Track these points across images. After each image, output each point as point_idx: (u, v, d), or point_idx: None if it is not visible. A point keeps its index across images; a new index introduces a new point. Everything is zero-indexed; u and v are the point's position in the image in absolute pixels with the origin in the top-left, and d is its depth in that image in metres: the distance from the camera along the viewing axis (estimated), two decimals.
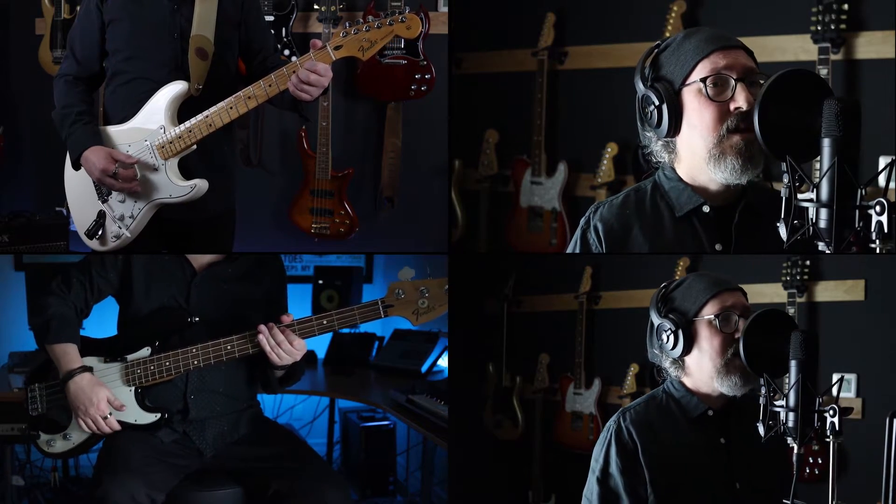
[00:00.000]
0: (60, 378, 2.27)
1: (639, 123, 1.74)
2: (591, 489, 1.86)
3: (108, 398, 2.24)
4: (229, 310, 2.42)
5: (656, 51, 1.70)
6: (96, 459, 2.30)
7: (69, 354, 2.29)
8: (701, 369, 1.83)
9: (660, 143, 1.71)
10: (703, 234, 1.70)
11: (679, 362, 1.86)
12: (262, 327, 2.25)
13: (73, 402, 2.25)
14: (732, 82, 1.60)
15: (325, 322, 2.27)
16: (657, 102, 1.65)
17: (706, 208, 1.69)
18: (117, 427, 2.26)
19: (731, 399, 1.84)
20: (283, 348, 2.25)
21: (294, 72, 2.16)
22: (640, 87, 1.69)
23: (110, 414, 2.25)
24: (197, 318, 2.36)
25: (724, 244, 1.69)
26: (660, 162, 1.75)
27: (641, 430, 1.82)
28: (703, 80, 1.61)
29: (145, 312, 2.40)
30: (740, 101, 1.59)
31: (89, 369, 2.27)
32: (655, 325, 1.86)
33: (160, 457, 2.28)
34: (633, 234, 1.71)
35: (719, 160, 1.61)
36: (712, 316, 1.80)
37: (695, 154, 1.66)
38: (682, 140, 1.68)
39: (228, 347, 2.28)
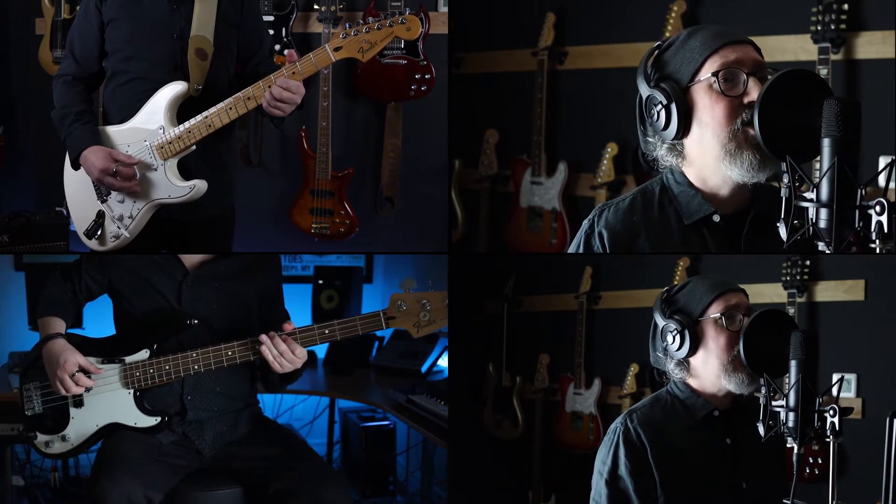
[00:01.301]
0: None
1: (640, 128, 1.67)
2: (599, 492, 1.83)
3: (80, 363, 2.24)
4: (222, 309, 2.41)
5: (658, 51, 1.63)
6: (95, 459, 2.29)
7: (50, 324, 2.34)
8: (707, 369, 1.82)
9: (665, 146, 1.64)
10: (711, 244, 1.64)
11: (685, 363, 1.84)
12: (265, 337, 2.24)
13: (46, 365, 2.27)
14: (744, 76, 1.54)
15: (326, 331, 2.28)
16: (665, 102, 1.58)
17: (716, 217, 1.63)
18: (88, 384, 2.25)
19: (737, 400, 1.84)
20: (286, 357, 2.25)
21: (269, 86, 2.18)
22: (643, 87, 1.62)
23: (77, 372, 2.23)
24: (196, 321, 2.35)
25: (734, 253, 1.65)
26: (669, 166, 1.67)
27: (649, 431, 1.81)
28: (716, 74, 1.54)
29: (140, 313, 2.39)
30: (754, 94, 1.51)
31: (63, 336, 2.30)
32: (660, 326, 1.85)
33: (159, 457, 2.28)
34: (640, 242, 1.65)
35: (735, 156, 1.54)
36: (718, 315, 1.79)
37: (707, 153, 1.59)
38: (691, 141, 1.61)
39: (229, 353, 2.28)
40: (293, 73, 2.20)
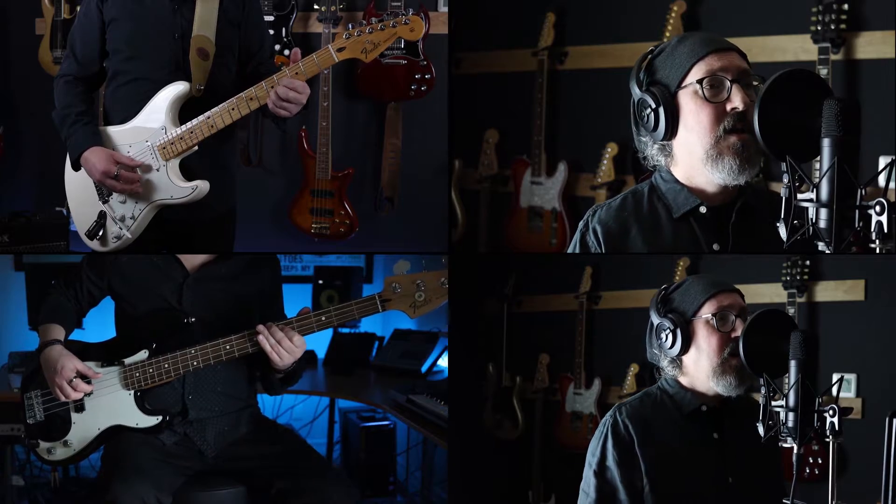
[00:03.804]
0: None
1: (633, 128, 1.76)
2: (587, 482, 1.88)
3: (78, 368, 2.24)
4: (223, 309, 2.40)
5: (650, 56, 1.72)
6: (102, 463, 2.29)
7: (49, 331, 2.33)
8: (698, 368, 1.85)
9: (656, 146, 1.73)
10: (700, 235, 1.72)
11: (677, 361, 1.88)
12: (261, 327, 2.23)
13: (44, 372, 2.27)
14: (728, 83, 1.63)
15: (323, 318, 2.26)
16: (654, 105, 1.67)
17: (703, 209, 1.71)
18: (86, 389, 2.25)
19: (725, 398, 1.86)
20: (284, 346, 2.22)
21: (273, 87, 2.18)
22: (635, 91, 1.71)
23: (75, 378, 2.24)
24: (193, 319, 2.35)
25: (722, 244, 1.71)
26: (656, 165, 1.76)
27: (637, 423, 1.85)
28: (700, 81, 1.63)
29: (140, 315, 2.39)
30: (736, 101, 1.62)
31: (61, 342, 2.29)
32: (655, 324, 1.89)
33: (165, 458, 2.28)
34: (632, 236, 1.74)
35: (717, 161, 1.63)
36: (710, 315, 1.82)
37: (692, 156, 1.68)
38: (678, 143, 1.70)
39: (227, 347, 2.27)
40: (296, 73, 2.20)
